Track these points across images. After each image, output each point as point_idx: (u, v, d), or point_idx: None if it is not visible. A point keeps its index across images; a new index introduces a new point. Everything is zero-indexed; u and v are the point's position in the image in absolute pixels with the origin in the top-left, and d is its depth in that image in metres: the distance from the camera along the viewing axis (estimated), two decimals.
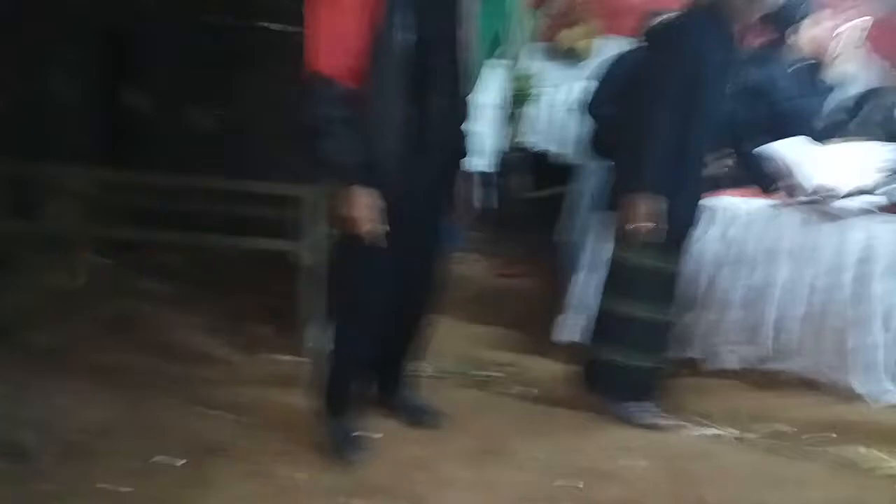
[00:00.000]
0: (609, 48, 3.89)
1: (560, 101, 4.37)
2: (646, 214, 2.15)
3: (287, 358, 2.57)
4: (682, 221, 2.28)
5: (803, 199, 2.64)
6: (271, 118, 2.44)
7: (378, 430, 2.14)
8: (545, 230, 3.99)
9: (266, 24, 2.45)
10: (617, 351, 2.33)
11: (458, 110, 2.02)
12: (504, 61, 4.11)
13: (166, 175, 2.45)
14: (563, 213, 3.75)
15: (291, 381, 2.37)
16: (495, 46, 3.86)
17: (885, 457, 2.21)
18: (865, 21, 3.39)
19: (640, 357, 2.33)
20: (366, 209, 1.78)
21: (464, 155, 2.09)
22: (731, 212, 2.68)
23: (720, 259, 2.68)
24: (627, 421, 2.33)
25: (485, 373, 2.64)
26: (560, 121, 4.34)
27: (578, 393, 2.45)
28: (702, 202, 2.37)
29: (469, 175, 2.16)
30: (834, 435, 2.32)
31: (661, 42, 2.32)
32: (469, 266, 3.72)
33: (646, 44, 2.45)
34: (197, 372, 2.49)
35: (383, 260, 1.87)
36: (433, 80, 1.85)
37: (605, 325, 2.37)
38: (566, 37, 4.39)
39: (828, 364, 2.64)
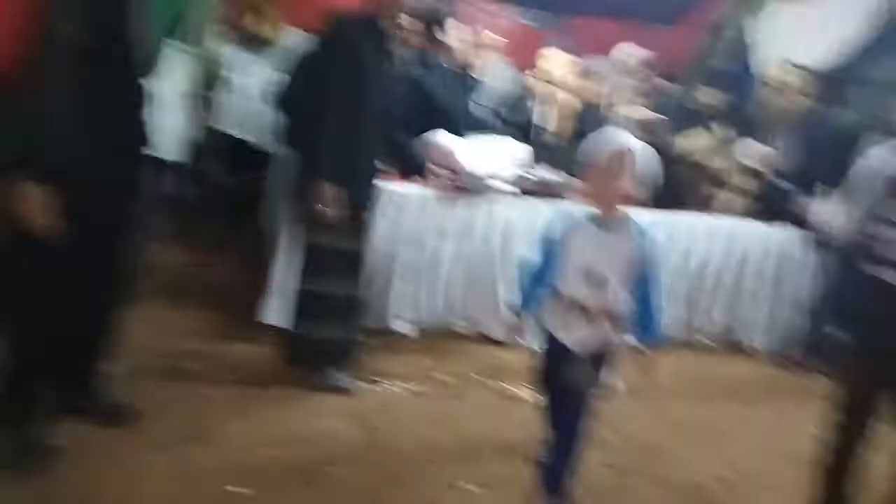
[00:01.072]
0: (295, 38, 4.03)
1: (251, 88, 4.39)
2: (326, 199, 2.42)
3: None
4: (358, 203, 2.57)
5: (457, 181, 3.15)
6: None
7: (69, 435, 2.03)
8: (242, 216, 4.03)
9: None
10: (313, 325, 2.57)
11: (134, 97, 1.99)
12: (188, 46, 3.99)
13: None
14: (262, 200, 3.85)
15: None
16: (174, 27, 3.74)
17: (522, 390, 2.81)
18: (503, 31, 4.12)
19: (333, 329, 2.60)
20: (33, 203, 1.70)
21: (144, 142, 2.07)
22: (402, 196, 3.10)
23: (395, 238, 3.10)
24: (323, 388, 2.59)
25: (182, 364, 2.65)
26: (252, 108, 4.38)
27: (278, 371, 2.64)
28: (375, 185, 2.70)
29: (155, 162, 2.15)
30: (488, 377, 2.91)
31: (322, 43, 2.55)
32: (163, 255, 3.59)
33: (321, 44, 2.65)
34: None
35: (58, 255, 1.78)
36: (103, 67, 1.81)
37: (302, 302, 2.58)
38: (249, 21, 4.41)
39: (483, 320, 3.26)
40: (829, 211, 3.32)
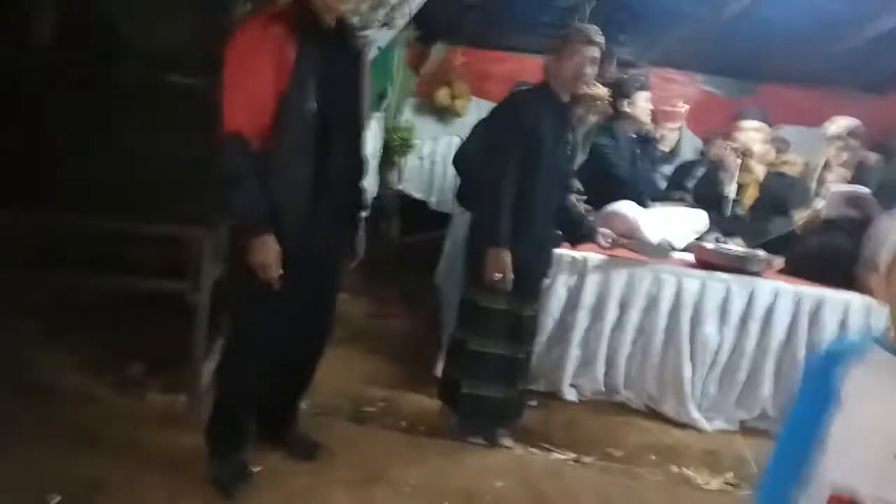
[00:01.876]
0: (483, 108, 4.29)
1: (437, 154, 4.74)
2: (496, 266, 2.45)
3: (172, 397, 2.60)
4: (533, 271, 2.61)
5: (648, 251, 3.07)
6: (166, 164, 2.52)
7: (263, 463, 2.25)
8: (418, 273, 4.27)
9: (163, 76, 2.55)
10: (476, 383, 2.60)
11: (357, 168, 2.24)
12: (383, 113, 4.40)
13: (52, 214, 2.40)
14: (441, 258, 4.05)
15: (177, 420, 2.43)
16: (381, 101, 4.16)
17: (697, 474, 2.67)
18: (689, 99, 4.08)
19: (495, 389, 2.61)
20: (271, 257, 1.94)
21: (361, 208, 2.30)
22: (585, 263, 3.05)
23: (575, 304, 3.06)
24: (487, 445, 2.63)
25: (361, 408, 2.82)
26: (436, 172, 4.72)
27: (446, 422, 2.71)
28: (552, 252, 2.72)
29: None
30: (657, 456, 2.76)
31: (501, 112, 2.62)
32: (349, 306, 3.90)
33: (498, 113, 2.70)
34: (74, 413, 2.44)
35: (281, 302, 2.01)
36: (335, 141, 2.05)
37: (469, 361, 2.61)
38: (442, 95, 4.79)
39: (651, 394, 3.12)
40: None
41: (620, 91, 3.46)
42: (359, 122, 2.19)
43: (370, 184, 4.44)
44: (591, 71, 2.52)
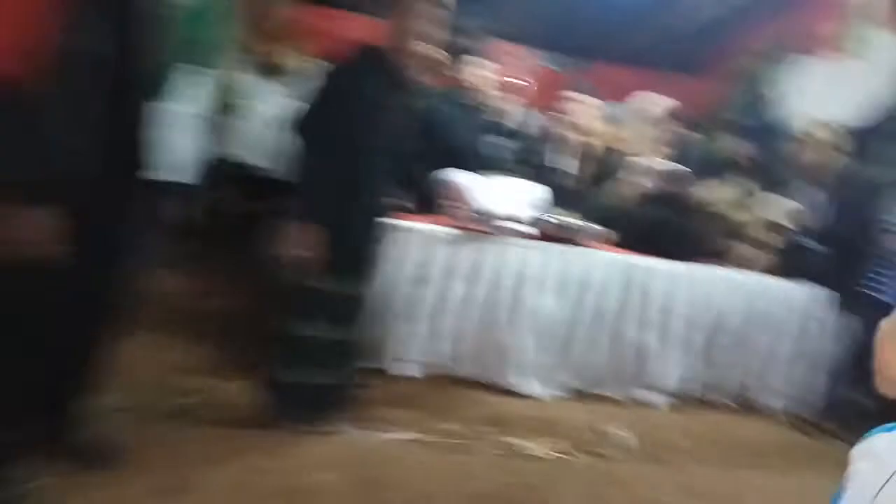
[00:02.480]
0: (315, 67, 3.98)
1: (267, 115, 4.34)
2: (302, 242, 2.27)
3: None
4: (357, 246, 2.44)
5: (470, 219, 3.04)
6: None
7: (45, 476, 1.88)
8: (249, 247, 3.94)
9: None
10: (299, 369, 2.42)
11: (139, 119, 1.90)
12: (206, 70, 3.96)
13: None
14: (270, 230, 3.75)
15: None
16: (197, 53, 3.72)
17: (532, 444, 2.69)
18: (525, 73, 4.10)
19: (320, 374, 2.45)
20: (36, 229, 1.60)
21: (144, 165, 1.95)
22: (408, 233, 2.97)
23: (399, 276, 2.97)
24: (316, 434, 2.44)
25: (174, 401, 2.51)
26: (267, 136, 4.33)
27: (270, 414, 2.49)
28: (379, 227, 2.55)
29: (158, 186, 2.05)
30: (495, 428, 2.75)
31: (324, 78, 2.39)
32: (165, 283, 3.49)
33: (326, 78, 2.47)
34: None
35: (50, 284, 1.67)
36: (116, 87, 1.74)
37: (289, 344, 2.42)
38: (273, 52, 4.41)
39: (491, 367, 3.12)
40: None
41: (459, 59, 3.38)
42: (143, 67, 1.86)
43: (195, 147, 4.00)
44: (422, 35, 2.36)
